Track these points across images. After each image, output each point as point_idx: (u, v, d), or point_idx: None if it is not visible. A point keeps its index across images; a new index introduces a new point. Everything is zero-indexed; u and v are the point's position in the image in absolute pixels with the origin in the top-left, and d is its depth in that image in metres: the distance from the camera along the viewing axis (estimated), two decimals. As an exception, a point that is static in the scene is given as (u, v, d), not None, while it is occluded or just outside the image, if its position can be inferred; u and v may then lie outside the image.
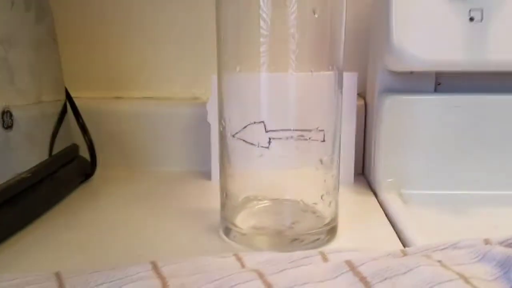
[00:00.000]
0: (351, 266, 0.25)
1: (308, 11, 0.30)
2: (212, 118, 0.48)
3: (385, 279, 0.24)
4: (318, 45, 0.32)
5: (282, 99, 0.33)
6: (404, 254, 0.28)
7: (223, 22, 0.33)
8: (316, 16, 0.30)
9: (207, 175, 0.50)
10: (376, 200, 0.43)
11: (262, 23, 0.31)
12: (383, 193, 0.43)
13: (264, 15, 0.30)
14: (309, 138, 0.33)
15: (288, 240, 0.33)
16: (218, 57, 0.33)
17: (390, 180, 0.44)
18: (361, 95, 0.51)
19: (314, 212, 0.35)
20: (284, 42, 0.31)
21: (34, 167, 0.39)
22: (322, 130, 0.33)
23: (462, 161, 0.43)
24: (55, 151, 0.43)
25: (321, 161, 0.33)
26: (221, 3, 0.32)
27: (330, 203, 0.34)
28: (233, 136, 0.34)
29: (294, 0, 0.30)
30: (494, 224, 0.39)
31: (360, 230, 0.36)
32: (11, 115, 0.36)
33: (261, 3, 0.30)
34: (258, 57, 0.31)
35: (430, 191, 0.44)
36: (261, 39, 0.31)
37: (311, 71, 0.31)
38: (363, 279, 0.24)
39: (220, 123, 0.34)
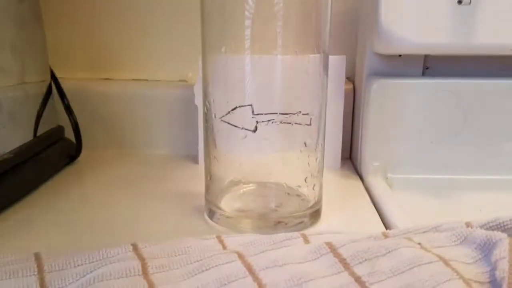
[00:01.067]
0: (331, 248, 0.25)
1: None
2: (200, 101, 0.48)
3: (365, 260, 0.24)
4: (303, 27, 0.31)
5: (267, 82, 0.32)
6: (386, 236, 0.28)
7: (207, 3, 0.32)
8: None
9: (195, 159, 0.49)
10: (362, 184, 0.43)
11: (246, 5, 0.30)
12: (369, 177, 0.43)
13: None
14: (294, 121, 0.33)
15: (272, 222, 0.33)
16: (203, 39, 0.33)
17: (376, 164, 0.44)
18: (350, 79, 0.51)
19: (298, 195, 0.34)
20: (270, 24, 0.31)
21: (17, 148, 0.39)
22: (307, 114, 0.33)
23: (449, 146, 0.43)
24: (40, 132, 0.43)
25: (305, 144, 0.33)
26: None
27: (314, 186, 0.34)
28: (220, 119, 0.33)
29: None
30: (479, 208, 0.39)
31: (344, 213, 0.36)
32: (-8, 95, 0.36)
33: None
34: (243, 39, 0.31)
35: (416, 175, 0.44)
36: (246, 21, 0.30)
37: (296, 53, 0.31)
38: (342, 261, 0.24)
39: (204, 105, 0.34)
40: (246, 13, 0.30)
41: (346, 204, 0.38)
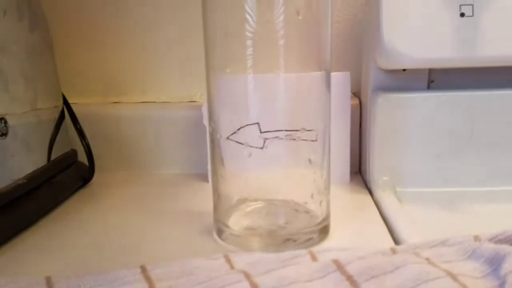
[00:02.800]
0: (338, 265, 0.25)
1: (293, 12, 0.30)
2: (208, 120, 0.48)
3: (372, 277, 0.24)
4: (304, 46, 0.32)
5: (271, 100, 0.33)
6: (394, 252, 0.28)
7: (210, 25, 0.33)
8: (300, 17, 0.30)
9: (205, 178, 0.50)
10: (371, 198, 0.43)
11: (248, 25, 0.31)
12: (378, 191, 0.43)
13: (249, 17, 0.30)
14: (299, 138, 0.33)
15: (281, 240, 0.33)
16: (206, 60, 0.34)
17: (385, 178, 0.44)
18: (356, 94, 0.51)
19: (306, 212, 0.35)
20: (271, 44, 0.31)
21: (31, 173, 0.40)
22: (311, 130, 0.33)
23: (456, 158, 0.43)
24: (53, 156, 0.44)
25: (309, 160, 0.33)
26: (207, 6, 0.32)
27: (321, 202, 0.34)
28: (226, 138, 0.34)
29: (279, 2, 0.30)
30: (488, 221, 0.38)
31: (354, 229, 0.36)
32: (5, 122, 0.37)
33: (246, 6, 0.30)
34: (245, 58, 0.31)
35: (424, 188, 0.43)
36: (247, 42, 0.31)
37: (299, 71, 0.32)
38: (350, 278, 0.24)
39: (210, 124, 0.35)
40: (247, 33, 0.31)
41: (355, 219, 0.38)
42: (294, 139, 0.32)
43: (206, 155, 0.49)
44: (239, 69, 0.32)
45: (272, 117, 0.33)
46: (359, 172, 0.50)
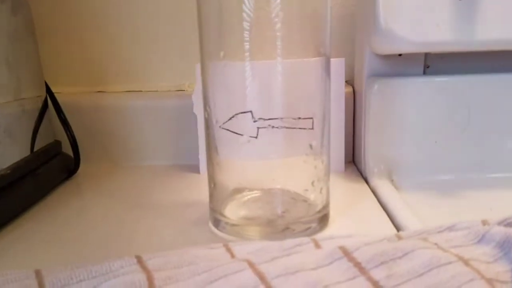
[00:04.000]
0: (345, 252, 0.24)
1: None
2: (198, 109, 0.47)
3: (381, 263, 0.23)
4: (303, 31, 0.31)
5: (268, 87, 0.32)
6: (399, 238, 0.27)
7: (204, 7, 0.31)
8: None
9: (195, 168, 0.48)
10: (367, 187, 0.42)
11: (245, 8, 0.29)
12: (374, 180, 0.42)
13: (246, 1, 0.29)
14: (298, 126, 0.32)
15: (279, 229, 0.32)
16: (201, 45, 0.32)
17: (381, 166, 0.43)
18: (349, 82, 0.51)
19: (305, 201, 0.34)
20: (269, 28, 0.30)
21: (14, 163, 0.38)
22: (311, 118, 0.32)
23: (454, 145, 0.43)
24: (37, 147, 0.42)
25: (310, 146, 0.32)
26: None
27: (321, 190, 0.33)
28: (221, 126, 0.32)
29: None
30: (489, 207, 0.38)
31: (353, 217, 0.35)
32: (-14, 110, 0.35)
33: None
34: (242, 43, 0.30)
35: (422, 176, 0.43)
36: (244, 24, 0.30)
37: (297, 56, 0.30)
38: (358, 265, 0.23)
39: (205, 111, 0.33)
40: (245, 15, 0.30)
41: (353, 207, 0.37)
42: (293, 127, 0.31)
43: (196, 145, 0.48)
44: (236, 55, 0.31)
45: (270, 104, 0.32)
46: (352, 161, 0.50)
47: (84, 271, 0.24)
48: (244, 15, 0.30)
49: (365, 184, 0.43)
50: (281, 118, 0.32)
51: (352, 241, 0.26)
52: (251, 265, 0.24)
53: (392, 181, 0.42)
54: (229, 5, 0.31)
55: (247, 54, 0.30)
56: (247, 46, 0.30)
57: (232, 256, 0.27)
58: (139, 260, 0.25)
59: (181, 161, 0.51)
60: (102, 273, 0.24)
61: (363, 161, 0.44)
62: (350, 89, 0.49)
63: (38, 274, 0.25)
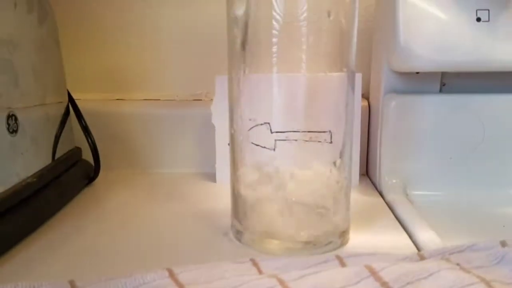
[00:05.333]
0: (372, 271, 0.25)
1: (322, 12, 0.30)
2: (217, 120, 0.48)
3: (407, 284, 0.24)
4: (330, 46, 0.31)
5: (294, 100, 0.32)
6: (421, 257, 0.28)
7: (234, 21, 0.32)
8: (330, 18, 0.30)
9: (212, 177, 0.49)
10: (383, 201, 0.43)
11: (273, 22, 0.30)
12: (389, 194, 0.43)
13: (276, 15, 0.30)
14: (324, 140, 0.32)
15: (300, 244, 0.33)
16: (229, 58, 0.33)
17: (395, 181, 0.44)
18: (364, 96, 0.51)
19: (326, 215, 0.34)
20: (297, 44, 0.31)
21: (39, 171, 0.38)
22: (334, 132, 0.33)
23: (468, 161, 0.43)
24: (58, 154, 0.43)
25: (334, 163, 0.33)
26: (233, 2, 0.32)
27: (342, 205, 0.34)
28: (245, 138, 0.33)
29: (309, 2, 0.29)
30: (502, 224, 0.39)
31: (372, 232, 0.36)
32: (16, 119, 0.35)
33: (274, 3, 0.30)
34: (269, 58, 0.31)
35: (436, 191, 0.44)
36: (273, 39, 0.30)
37: (324, 72, 0.31)
38: (384, 284, 0.24)
39: (231, 125, 0.34)
40: (273, 31, 0.30)
41: (372, 222, 0.38)
42: (320, 141, 0.32)
43: (213, 154, 0.49)
44: (262, 68, 0.32)
45: (295, 117, 0.32)
46: (366, 174, 0.50)
47: (118, 283, 0.25)
48: (273, 30, 0.30)
49: (381, 198, 0.43)
50: (306, 132, 0.32)
51: (377, 259, 0.27)
52: (281, 282, 0.25)
53: (407, 195, 0.43)
54: (258, 19, 0.31)
55: (274, 67, 0.31)
56: (274, 59, 0.31)
57: (259, 271, 0.27)
58: (171, 273, 0.26)
59: (197, 169, 0.52)
60: (135, 285, 0.25)
61: (378, 175, 0.45)
62: (365, 102, 0.50)
63: (72, 284, 0.25)
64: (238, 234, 0.34)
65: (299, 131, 0.33)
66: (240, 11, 0.32)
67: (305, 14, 0.30)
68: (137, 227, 0.38)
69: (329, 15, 0.29)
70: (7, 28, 0.35)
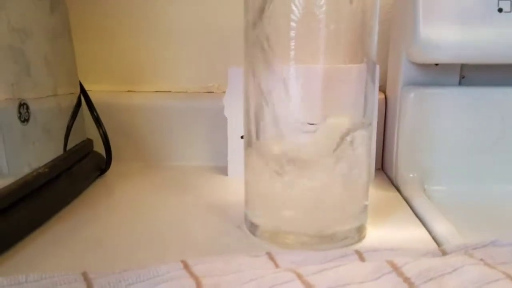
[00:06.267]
0: (394, 266, 0.24)
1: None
2: (229, 112, 0.47)
3: (430, 279, 0.23)
4: (352, 37, 0.30)
5: (315, 92, 0.31)
6: (444, 252, 0.27)
7: (251, 11, 0.31)
8: (353, 6, 0.29)
9: (223, 170, 0.49)
10: (400, 196, 0.42)
11: (292, 14, 0.29)
12: (406, 188, 0.42)
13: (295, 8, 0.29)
14: (341, 133, 0.31)
15: (317, 238, 0.32)
16: (246, 52, 0.32)
17: (413, 175, 0.43)
18: (381, 88, 0.50)
19: (343, 209, 0.33)
20: (316, 32, 0.30)
21: (50, 161, 0.38)
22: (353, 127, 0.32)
23: (487, 155, 0.42)
24: (70, 145, 0.42)
25: (352, 156, 0.32)
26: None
27: (359, 199, 0.33)
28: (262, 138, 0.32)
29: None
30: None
31: (389, 227, 0.35)
32: (27, 107, 0.35)
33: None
34: (288, 49, 0.30)
35: (454, 185, 0.43)
36: (291, 31, 0.30)
37: (344, 62, 0.30)
38: (407, 280, 0.23)
39: (246, 123, 0.33)
40: (292, 23, 0.29)
41: (389, 217, 0.37)
42: (339, 136, 0.31)
43: (224, 147, 0.48)
44: (281, 59, 0.31)
45: (314, 109, 0.31)
46: (381, 168, 0.49)
47: (133, 275, 0.25)
48: (292, 22, 0.29)
49: (397, 193, 0.42)
50: (323, 124, 0.31)
51: (396, 254, 0.26)
52: (299, 276, 0.24)
53: (424, 190, 0.42)
54: (276, 7, 0.30)
55: (292, 59, 0.30)
56: (292, 52, 0.30)
57: (276, 265, 0.27)
58: (185, 265, 0.26)
59: (208, 162, 0.51)
60: (150, 277, 0.25)
61: (394, 169, 0.44)
62: (382, 95, 0.49)
63: (85, 276, 0.25)
64: (252, 227, 0.34)
65: (317, 123, 0.32)
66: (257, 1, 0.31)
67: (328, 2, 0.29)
68: (149, 220, 0.37)
69: (351, 2, 0.28)
70: (19, 16, 0.35)
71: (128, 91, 0.54)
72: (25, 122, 0.35)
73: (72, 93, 0.45)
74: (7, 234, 0.32)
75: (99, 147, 0.47)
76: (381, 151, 0.49)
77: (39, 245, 0.32)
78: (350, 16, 0.29)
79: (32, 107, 0.35)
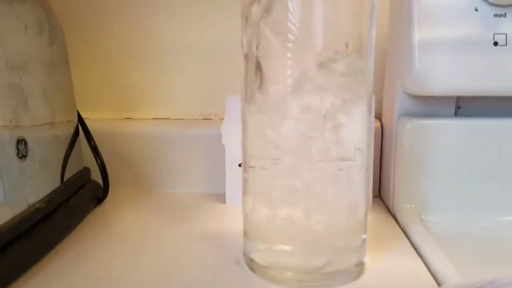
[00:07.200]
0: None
1: (340, 43, 0.29)
2: (226, 140, 0.47)
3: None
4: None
5: (310, 125, 0.31)
6: (443, 294, 0.27)
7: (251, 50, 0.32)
8: (349, 49, 0.29)
9: (221, 198, 0.49)
10: (397, 226, 0.42)
11: (287, 51, 0.30)
12: (403, 219, 0.42)
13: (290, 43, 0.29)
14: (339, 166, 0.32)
15: (316, 275, 0.32)
16: (245, 85, 0.32)
17: (410, 205, 0.43)
18: (377, 116, 0.51)
19: (342, 243, 0.33)
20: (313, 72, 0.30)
21: (47, 195, 0.38)
22: (352, 160, 0.32)
23: (483, 186, 0.43)
24: (67, 176, 0.42)
25: (351, 178, 0.32)
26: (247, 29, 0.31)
27: (358, 232, 0.33)
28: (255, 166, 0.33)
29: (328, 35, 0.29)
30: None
31: (389, 263, 0.35)
32: (25, 143, 0.35)
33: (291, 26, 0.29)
34: (285, 83, 0.30)
35: (451, 216, 0.43)
36: (288, 62, 0.30)
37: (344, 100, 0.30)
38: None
39: (243, 154, 0.33)
40: (288, 62, 0.30)
41: (387, 251, 0.37)
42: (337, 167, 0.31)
43: (222, 174, 0.48)
44: (278, 93, 0.31)
45: (311, 143, 0.31)
46: (378, 195, 0.50)
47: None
48: (287, 58, 0.30)
49: (395, 223, 0.43)
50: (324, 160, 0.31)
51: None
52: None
53: (421, 219, 0.42)
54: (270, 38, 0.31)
55: (289, 91, 0.30)
56: (289, 81, 0.30)
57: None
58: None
59: (206, 190, 0.51)
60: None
61: (391, 198, 0.45)
62: (378, 123, 0.49)
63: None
64: (251, 264, 0.34)
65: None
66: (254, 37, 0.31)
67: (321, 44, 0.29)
68: (147, 253, 0.37)
69: (347, 46, 0.29)
70: (18, 52, 0.35)
71: (126, 118, 0.54)
72: (23, 158, 0.35)
73: (70, 121, 0.45)
74: (5, 272, 0.31)
75: (96, 175, 0.47)
76: (378, 178, 0.50)
77: (37, 283, 0.32)
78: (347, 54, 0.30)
79: (30, 141, 0.35)
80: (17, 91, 0.35)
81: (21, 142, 0.34)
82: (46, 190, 0.38)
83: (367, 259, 0.34)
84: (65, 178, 0.42)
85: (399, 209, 0.43)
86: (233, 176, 0.47)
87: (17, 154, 0.34)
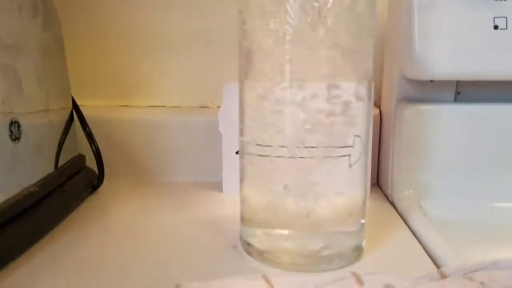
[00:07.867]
0: (393, 291, 0.24)
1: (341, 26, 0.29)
2: (224, 128, 0.47)
3: (430, 305, 0.23)
4: (349, 55, 0.30)
5: (312, 110, 0.31)
6: (443, 275, 0.27)
7: (246, 37, 0.31)
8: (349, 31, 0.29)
9: (218, 186, 0.48)
10: (396, 212, 0.41)
11: (287, 35, 0.29)
12: (402, 206, 0.42)
13: (291, 21, 0.29)
14: (338, 154, 0.31)
15: (313, 259, 0.31)
16: (240, 72, 0.32)
17: (408, 192, 0.43)
18: (375, 103, 0.50)
19: (340, 228, 0.33)
20: (312, 53, 0.29)
21: (41, 179, 0.37)
22: (351, 146, 0.31)
23: (482, 172, 0.42)
24: (62, 162, 0.42)
25: (350, 165, 0.31)
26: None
27: (356, 217, 0.32)
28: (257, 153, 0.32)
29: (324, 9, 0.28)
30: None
31: (387, 247, 0.35)
32: (19, 126, 0.34)
33: (289, 9, 0.28)
34: (283, 66, 0.30)
35: (450, 202, 0.42)
36: (286, 56, 0.29)
37: (341, 81, 0.30)
38: (406, 305, 0.23)
39: (240, 136, 0.33)
40: (287, 37, 0.29)
41: (386, 236, 0.36)
42: (334, 154, 0.31)
43: (219, 162, 0.47)
44: (278, 77, 0.30)
45: (309, 128, 0.31)
46: (376, 183, 0.49)
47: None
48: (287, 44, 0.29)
49: (393, 209, 0.42)
50: (323, 147, 0.31)
51: (395, 277, 0.26)
52: (297, 301, 0.23)
53: (420, 206, 0.42)
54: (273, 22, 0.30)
55: (288, 76, 0.30)
56: (288, 67, 0.30)
57: (273, 288, 0.26)
58: (180, 290, 0.25)
59: (203, 178, 0.51)
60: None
61: (390, 185, 0.44)
62: (376, 110, 0.48)
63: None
64: (248, 248, 0.33)
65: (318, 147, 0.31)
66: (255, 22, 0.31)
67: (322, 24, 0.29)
68: (142, 239, 0.37)
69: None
70: (12, 32, 0.34)
71: (122, 105, 0.54)
72: (16, 141, 0.34)
73: (64, 108, 0.44)
74: (-3, 255, 0.31)
75: (91, 162, 0.46)
76: (377, 166, 0.49)
77: (30, 267, 0.32)
78: (347, 33, 0.29)
79: (23, 124, 0.35)
80: (11, 72, 0.34)
81: (14, 124, 0.34)
82: (40, 175, 0.38)
83: (366, 245, 0.34)
84: (60, 164, 0.41)
85: (397, 195, 0.43)
86: (230, 164, 0.47)
87: (10, 136, 0.33)
